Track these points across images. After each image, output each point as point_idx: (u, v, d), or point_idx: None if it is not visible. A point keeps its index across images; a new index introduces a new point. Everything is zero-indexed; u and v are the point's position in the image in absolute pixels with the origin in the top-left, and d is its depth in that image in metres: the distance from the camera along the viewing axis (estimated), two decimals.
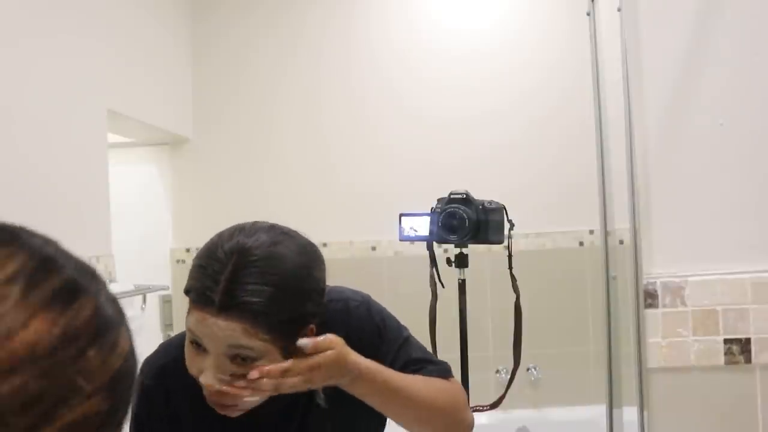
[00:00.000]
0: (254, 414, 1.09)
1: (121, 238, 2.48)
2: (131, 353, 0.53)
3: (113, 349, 0.50)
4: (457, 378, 1.87)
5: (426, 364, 1.22)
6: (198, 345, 1.00)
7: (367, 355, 1.10)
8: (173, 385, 1.14)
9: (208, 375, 0.99)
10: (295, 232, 1.09)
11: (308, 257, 1.06)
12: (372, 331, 1.19)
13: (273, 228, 1.05)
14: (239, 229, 1.03)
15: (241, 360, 0.98)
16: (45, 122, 2.04)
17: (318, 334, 1.06)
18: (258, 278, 0.96)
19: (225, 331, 0.96)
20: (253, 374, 0.97)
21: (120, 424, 0.51)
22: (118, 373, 0.50)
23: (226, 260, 0.97)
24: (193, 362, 1.02)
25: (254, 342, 0.97)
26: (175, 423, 1.15)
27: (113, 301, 0.55)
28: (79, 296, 0.50)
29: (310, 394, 1.13)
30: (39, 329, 0.46)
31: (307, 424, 1.15)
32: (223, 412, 1.04)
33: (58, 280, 0.51)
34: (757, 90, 1.86)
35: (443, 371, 1.25)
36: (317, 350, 1.01)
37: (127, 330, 0.54)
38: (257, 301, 0.95)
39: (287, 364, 0.98)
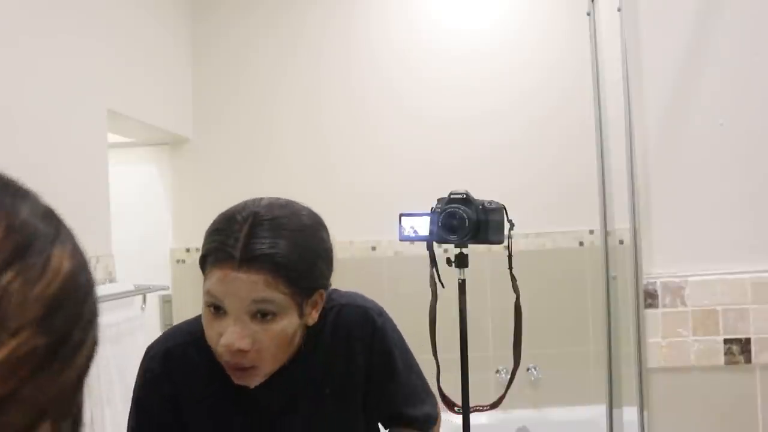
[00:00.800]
0: (259, 402, 1.12)
1: (121, 238, 2.48)
2: (75, 273, 0.44)
3: (43, 272, 0.41)
4: (457, 378, 1.88)
5: (414, 410, 1.25)
6: (217, 308, 1.01)
7: (371, 364, 1.18)
8: (178, 370, 1.15)
9: (229, 334, 1.00)
10: (305, 206, 1.14)
11: (315, 220, 1.11)
12: (385, 345, 1.22)
13: (280, 198, 1.11)
14: (251, 200, 1.08)
15: (261, 316, 1.00)
16: (45, 122, 2.04)
17: (333, 332, 1.12)
18: (274, 233, 1.01)
19: (247, 283, 0.98)
20: None
21: (69, 360, 0.42)
22: (54, 300, 0.41)
23: (243, 221, 1.01)
24: (211, 328, 1.03)
25: (275, 294, 0.99)
26: (177, 407, 1.16)
27: (46, 215, 0.46)
28: None
29: (315, 388, 1.16)
30: None
31: (313, 410, 1.16)
32: (241, 381, 1.06)
33: None
34: (757, 90, 1.87)
35: (426, 420, 1.27)
36: None
37: (69, 245, 0.45)
38: (275, 252, 0.99)
39: None
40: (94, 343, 0.45)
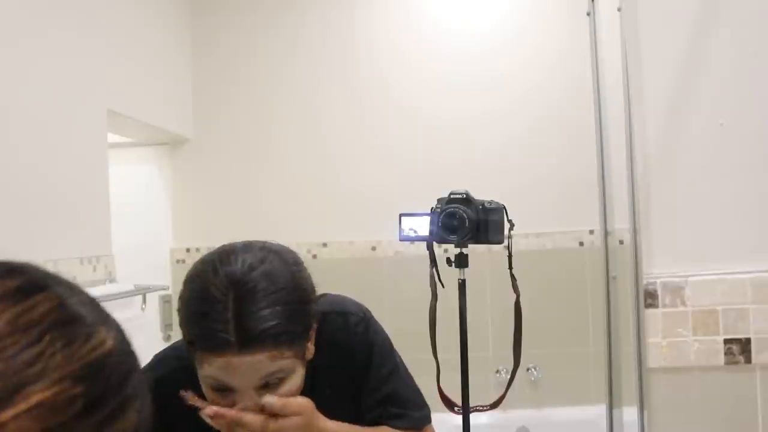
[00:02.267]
0: None
1: (121, 238, 2.48)
2: (118, 350, 0.53)
3: (85, 341, 0.50)
4: (457, 378, 1.88)
5: (401, 411, 1.23)
6: (222, 389, 0.99)
7: (354, 373, 1.16)
8: (168, 398, 1.12)
9: (246, 423, 0.98)
10: (266, 242, 1.08)
11: (294, 262, 1.06)
12: (364, 351, 1.20)
13: (248, 246, 1.04)
14: (218, 261, 1.00)
15: (271, 384, 1.00)
16: (45, 122, 2.04)
17: (317, 343, 1.08)
18: (264, 302, 0.96)
19: (252, 364, 0.95)
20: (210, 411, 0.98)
21: (107, 422, 0.49)
22: (94, 363, 0.49)
23: (225, 297, 0.95)
24: (219, 402, 1.01)
25: (282, 363, 0.98)
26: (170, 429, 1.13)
27: (91, 303, 0.55)
28: (37, 293, 0.51)
29: (311, 390, 1.14)
30: None
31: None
32: None
33: (19, 279, 0.52)
34: (757, 90, 1.86)
35: (416, 421, 1.25)
36: (285, 411, 1.01)
37: (113, 330, 0.54)
38: (273, 324, 0.95)
39: (258, 424, 0.99)
40: (137, 421, 0.53)
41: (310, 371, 1.13)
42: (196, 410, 1.06)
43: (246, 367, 0.95)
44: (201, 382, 1.02)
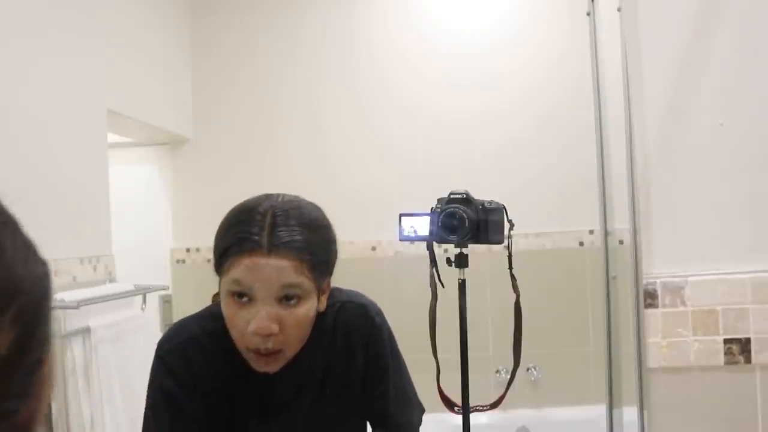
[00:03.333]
0: (266, 393, 1.16)
1: (121, 238, 2.48)
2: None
3: None
4: (457, 378, 1.88)
5: (406, 407, 1.30)
6: (241, 296, 1.05)
7: (366, 361, 1.22)
8: (193, 361, 1.18)
9: (260, 319, 1.04)
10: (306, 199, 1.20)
11: (324, 214, 1.17)
12: (379, 343, 1.26)
13: (288, 194, 1.17)
14: (263, 196, 1.13)
15: (287, 300, 1.06)
16: (45, 122, 2.04)
17: (335, 329, 1.18)
18: (295, 223, 1.07)
19: (277, 269, 1.03)
20: None
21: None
22: None
23: (264, 213, 1.07)
24: (237, 316, 1.06)
25: (302, 278, 1.05)
26: (195, 394, 1.17)
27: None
28: None
29: (318, 384, 1.20)
30: None
31: (314, 406, 1.20)
32: (264, 367, 1.10)
33: None
34: (757, 90, 1.86)
35: (418, 419, 1.32)
36: None
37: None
38: (300, 239, 1.05)
39: None
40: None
41: (325, 359, 1.19)
42: (215, 372, 1.13)
43: (270, 269, 1.03)
44: (223, 292, 1.08)
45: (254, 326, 1.04)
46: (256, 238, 1.03)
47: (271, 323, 1.04)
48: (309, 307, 1.08)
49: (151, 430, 1.17)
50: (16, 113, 1.89)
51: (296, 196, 1.16)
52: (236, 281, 1.04)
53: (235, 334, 1.08)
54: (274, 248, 1.03)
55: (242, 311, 1.05)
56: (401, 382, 1.30)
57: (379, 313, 1.28)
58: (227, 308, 1.08)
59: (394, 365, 1.28)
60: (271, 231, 1.04)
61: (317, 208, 1.17)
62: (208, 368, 1.17)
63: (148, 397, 1.19)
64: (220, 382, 1.16)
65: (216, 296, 1.25)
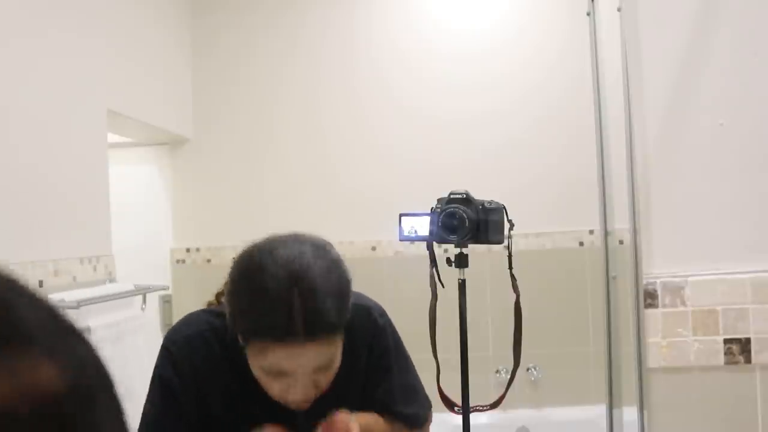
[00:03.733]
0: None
1: (121, 238, 2.48)
2: (70, 399, 0.35)
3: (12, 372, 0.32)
4: (457, 378, 1.88)
5: (411, 403, 1.32)
6: (278, 373, 1.05)
7: (370, 362, 1.24)
8: (198, 355, 1.19)
9: (299, 395, 1.07)
10: (305, 234, 1.14)
11: (337, 255, 1.11)
12: (382, 344, 1.28)
13: (296, 239, 1.09)
14: (273, 255, 1.05)
15: (321, 368, 1.07)
16: (45, 122, 2.04)
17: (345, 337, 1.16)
18: (325, 295, 1.03)
19: (313, 353, 1.03)
20: None
21: None
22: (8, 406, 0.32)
23: (288, 291, 1.01)
24: (271, 385, 1.08)
25: (335, 348, 1.07)
26: (196, 389, 1.19)
27: (53, 320, 0.38)
28: None
29: None
30: None
31: (316, 406, 1.19)
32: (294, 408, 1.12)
33: None
34: (757, 90, 1.86)
35: (424, 413, 1.34)
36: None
37: (69, 366, 0.36)
38: (333, 315, 1.03)
39: None
40: None
41: None
42: (219, 368, 1.14)
43: (307, 358, 1.03)
44: (255, 367, 1.07)
45: (293, 401, 1.07)
46: (289, 328, 1.00)
47: (309, 395, 1.07)
48: (338, 361, 1.09)
49: (145, 416, 1.19)
50: (16, 113, 1.89)
51: (309, 246, 1.08)
52: (270, 367, 1.05)
53: (271, 394, 1.09)
54: (311, 336, 1.01)
55: (276, 381, 1.07)
56: (407, 380, 1.31)
57: (383, 314, 1.30)
58: (258, 373, 1.08)
59: (399, 363, 1.30)
60: (304, 318, 1.00)
61: (332, 253, 1.10)
62: (212, 365, 1.18)
63: (150, 383, 1.20)
64: (222, 380, 1.17)
65: (219, 296, 1.26)
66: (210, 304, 1.28)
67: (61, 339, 0.37)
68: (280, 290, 1.01)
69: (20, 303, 0.36)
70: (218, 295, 1.27)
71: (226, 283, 1.10)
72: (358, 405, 1.25)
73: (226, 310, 1.08)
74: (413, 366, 1.35)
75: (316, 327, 1.02)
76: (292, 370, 1.04)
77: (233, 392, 1.17)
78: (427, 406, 1.36)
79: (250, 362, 1.08)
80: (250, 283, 1.05)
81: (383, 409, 1.29)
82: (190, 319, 1.25)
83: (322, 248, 1.09)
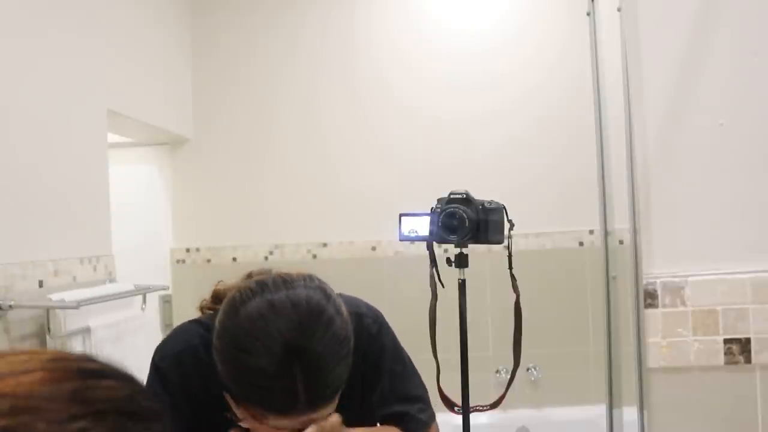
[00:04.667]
0: None
1: (121, 238, 2.48)
2: None
3: None
4: (457, 378, 1.88)
5: (412, 408, 1.29)
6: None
7: (365, 372, 1.20)
8: (189, 372, 1.17)
9: None
10: (300, 277, 1.04)
11: (336, 305, 1.02)
12: (376, 352, 1.25)
13: (291, 292, 0.99)
14: (265, 314, 0.96)
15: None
16: (45, 122, 2.04)
17: None
18: (328, 365, 0.96)
19: (316, 416, 0.98)
20: None
21: None
22: None
23: (288, 370, 0.93)
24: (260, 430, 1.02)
25: (332, 407, 1.02)
26: (188, 403, 1.17)
27: (158, 415, 0.52)
28: (111, 378, 0.49)
29: None
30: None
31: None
32: None
33: (96, 364, 0.51)
34: (757, 90, 1.86)
35: (427, 418, 1.31)
36: None
37: None
38: (339, 379, 0.99)
39: None
40: None
41: None
42: (210, 382, 1.09)
43: (305, 421, 0.98)
44: (243, 417, 1.02)
45: None
46: (291, 407, 0.95)
47: None
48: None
49: None
50: (16, 113, 1.89)
51: (306, 300, 0.98)
52: (270, 426, 1.00)
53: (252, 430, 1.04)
54: (312, 406, 0.96)
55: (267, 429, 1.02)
56: (406, 383, 1.29)
57: (376, 319, 1.26)
58: (249, 423, 1.02)
59: (396, 365, 1.28)
60: (307, 398, 0.94)
61: (332, 306, 1.00)
62: (203, 380, 1.14)
63: None
64: (213, 394, 1.12)
65: (203, 308, 1.24)
66: (202, 308, 1.27)
67: (163, 426, 0.52)
68: (278, 371, 0.93)
69: (144, 393, 0.51)
70: (202, 308, 1.26)
71: (218, 312, 1.03)
72: (356, 414, 1.23)
73: (215, 357, 1.01)
74: (413, 366, 1.32)
75: (320, 399, 0.97)
76: (291, 429, 1.00)
77: (225, 406, 1.13)
78: (428, 405, 1.33)
79: (237, 412, 1.02)
80: (240, 359, 0.96)
81: (383, 408, 1.27)
82: (180, 333, 1.22)
83: (319, 300, 0.99)
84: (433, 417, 1.33)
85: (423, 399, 1.32)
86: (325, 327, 0.97)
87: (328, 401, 0.99)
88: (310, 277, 1.04)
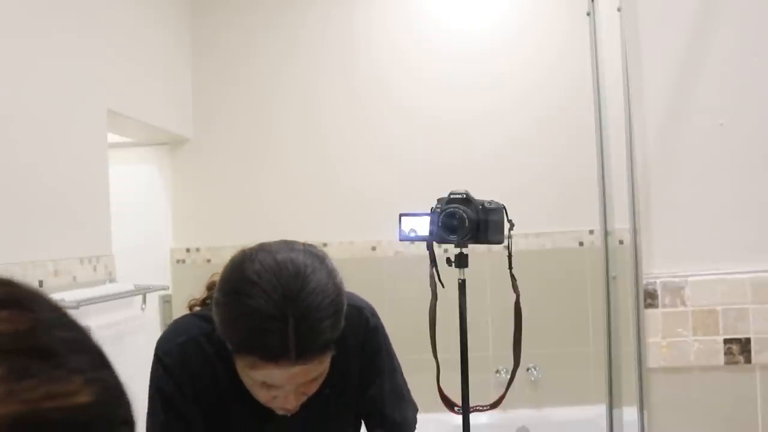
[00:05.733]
0: None
1: (121, 238, 2.48)
2: (96, 415, 0.42)
3: (46, 383, 0.40)
4: (457, 378, 1.88)
5: (400, 406, 1.32)
6: (265, 384, 1.06)
7: (362, 364, 1.24)
8: (192, 363, 1.18)
9: (287, 403, 1.07)
10: (297, 243, 1.11)
11: (331, 267, 1.08)
12: (374, 346, 1.28)
13: (291, 249, 1.06)
14: (267, 271, 1.01)
15: (312, 380, 1.07)
16: (45, 122, 2.04)
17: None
18: (319, 318, 1.00)
19: (304, 370, 1.02)
20: None
21: None
22: (44, 414, 0.39)
23: (281, 313, 0.98)
24: (259, 392, 1.07)
25: (326, 362, 1.06)
26: (194, 396, 1.18)
27: (80, 344, 0.44)
28: (9, 308, 0.41)
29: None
30: None
31: (312, 406, 1.20)
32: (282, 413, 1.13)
33: None
34: (757, 90, 1.86)
35: (413, 417, 1.35)
36: None
37: (97, 386, 0.42)
38: (327, 335, 1.02)
39: None
40: None
41: None
42: (214, 374, 1.13)
43: (297, 374, 1.02)
44: (242, 374, 1.07)
45: (280, 407, 1.08)
46: (282, 350, 0.98)
47: (296, 403, 1.07)
48: (329, 364, 1.08)
49: (148, 430, 1.18)
50: (16, 113, 1.89)
51: (303, 259, 1.04)
52: (263, 382, 1.04)
53: (258, 398, 1.09)
54: (302, 356, 1.00)
55: (264, 389, 1.06)
56: (396, 381, 1.32)
57: (374, 314, 1.29)
58: (247, 380, 1.07)
59: (389, 364, 1.30)
60: (298, 341, 0.98)
61: (327, 267, 1.07)
62: (206, 370, 1.17)
63: (148, 396, 1.19)
64: (217, 384, 1.16)
65: (192, 306, 1.25)
66: (191, 306, 1.27)
67: (89, 358, 0.44)
68: (273, 312, 0.98)
69: (58, 324, 0.43)
70: (191, 306, 1.27)
71: (214, 291, 1.08)
72: (352, 405, 1.25)
73: (215, 317, 1.06)
74: (401, 367, 1.35)
75: (309, 349, 1.00)
76: (281, 384, 1.04)
77: (229, 395, 1.17)
78: (414, 409, 1.36)
79: (237, 368, 1.08)
80: (241, 301, 1.01)
81: (373, 410, 1.29)
82: (180, 326, 1.23)
83: (315, 261, 1.06)
84: (416, 410, 1.37)
85: (409, 394, 1.36)
86: (319, 282, 1.03)
87: (317, 354, 1.02)
88: (309, 244, 1.11)
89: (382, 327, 1.30)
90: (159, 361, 1.19)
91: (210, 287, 1.25)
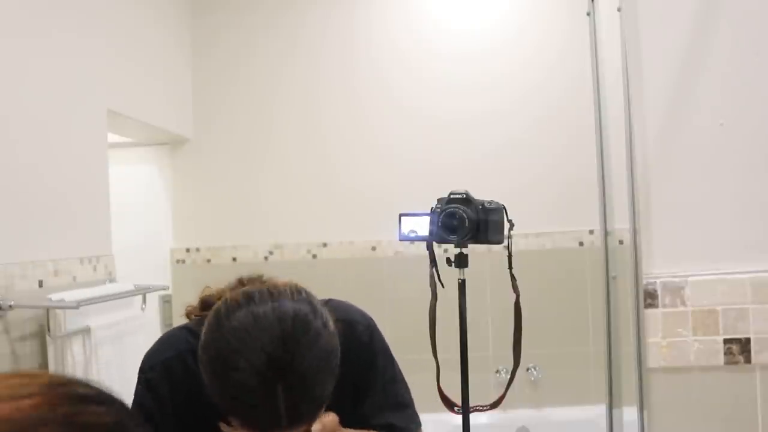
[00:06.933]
0: None
1: (121, 238, 2.48)
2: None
3: None
4: (457, 378, 1.88)
5: (401, 417, 1.28)
6: None
7: (356, 380, 1.20)
8: (176, 379, 1.16)
9: None
10: (284, 284, 1.02)
11: (323, 317, 0.99)
12: (368, 359, 1.25)
13: (276, 304, 0.97)
14: (249, 327, 0.93)
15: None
16: (45, 122, 2.04)
17: None
18: (312, 383, 0.94)
19: (296, 429, 0.95)
20: None
21: None
22: None
23: (270, 388, 0.91)
24: None
25: (318, 418, 1.00)
26: (176, 414, 1.17)
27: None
28: (104, 405, 0.52)
29: None
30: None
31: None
32: None
33: (91, 390, 0.53)
34: (757, 90, 1.86)
35: (415, 428, 1.31)
36: None
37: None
38: (321, 400, 0.96)
39: None
40: None
41: None
42: (200, 389, 1.06)
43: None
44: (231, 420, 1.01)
45: None
46: (273, 423, 0.92)
47: None
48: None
49: None
50: (16, 113, 1.89)
51: (289, 323, 0.94)
52: None
53: None
54: (292, 423, 0.93)
55: None
56: (395, 391, 1.29)
57: (369, 325, 1.26)
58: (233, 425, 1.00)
59: (387, 373, 1.27)
60: (289, 416, 0.92)
61: (318, 317, 0.98)
62: (192, 388, 1.11)
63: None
64: (203, 400, 1.08)
65: (189, 314, 1.23)
66: (189, 314, 1.25)
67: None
68: (262, 388, 0.91)
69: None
70: (188, 314, 1.24)
71: (205, 319, 1.01)
72: (348, 420, 1.22)
73: (201, 369, 0.99)
74: (401, 374, 1.32)
75: (301, 418, 0.94)
76: None
77: (216, 408, 1.12)
78: (415, 416, 1.32)
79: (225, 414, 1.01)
80: (225, 373, 0.93)
81: (374, 420, 1.26)
82: (167, 341, 1.21)
83: (306, 314, 0.97)
84: (420, 424, 1.33)
85: (411, 405, 1.32)
86: (311, 342, 0.94)
87: (311, 418, 0.97)
88: (298, 290, 1.02)
89: (379, 336, 1.27)
90: (142, 376, 1.18)
91: (202, 302, 1.22)
